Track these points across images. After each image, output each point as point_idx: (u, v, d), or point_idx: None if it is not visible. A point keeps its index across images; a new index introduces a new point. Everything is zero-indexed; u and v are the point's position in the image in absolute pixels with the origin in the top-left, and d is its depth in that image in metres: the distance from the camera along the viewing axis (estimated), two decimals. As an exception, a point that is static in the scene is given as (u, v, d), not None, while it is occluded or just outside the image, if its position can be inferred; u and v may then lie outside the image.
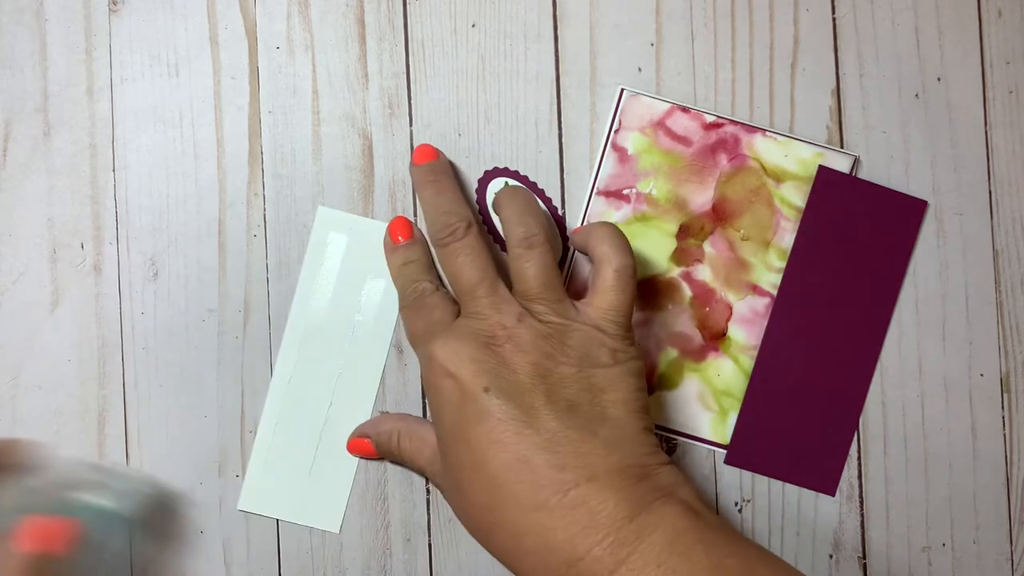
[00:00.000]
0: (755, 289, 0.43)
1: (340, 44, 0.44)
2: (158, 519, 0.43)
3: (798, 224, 0.43)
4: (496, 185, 0.43)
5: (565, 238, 0.44)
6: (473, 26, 0.44)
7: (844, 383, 0.43)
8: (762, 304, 0.43)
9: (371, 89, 0.44)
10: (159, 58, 0.43)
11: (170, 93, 0.43)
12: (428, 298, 0.40)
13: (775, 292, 0.43)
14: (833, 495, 0.43)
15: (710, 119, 0.43)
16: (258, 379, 0.43)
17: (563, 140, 0.44)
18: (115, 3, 0.44)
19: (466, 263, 0.39)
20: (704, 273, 0.43)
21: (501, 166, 0.44)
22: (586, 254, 0.41)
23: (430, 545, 0.43)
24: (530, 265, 0.38)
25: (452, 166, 0.43)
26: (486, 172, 0.43)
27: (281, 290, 0.43)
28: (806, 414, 0.43)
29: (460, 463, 0.36)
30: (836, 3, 0.44)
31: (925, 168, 0.44)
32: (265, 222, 0.43)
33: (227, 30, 0.44)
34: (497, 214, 0.42)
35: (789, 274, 0.43)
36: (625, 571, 0.33)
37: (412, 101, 0.44)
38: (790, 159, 0.43)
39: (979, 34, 0.44)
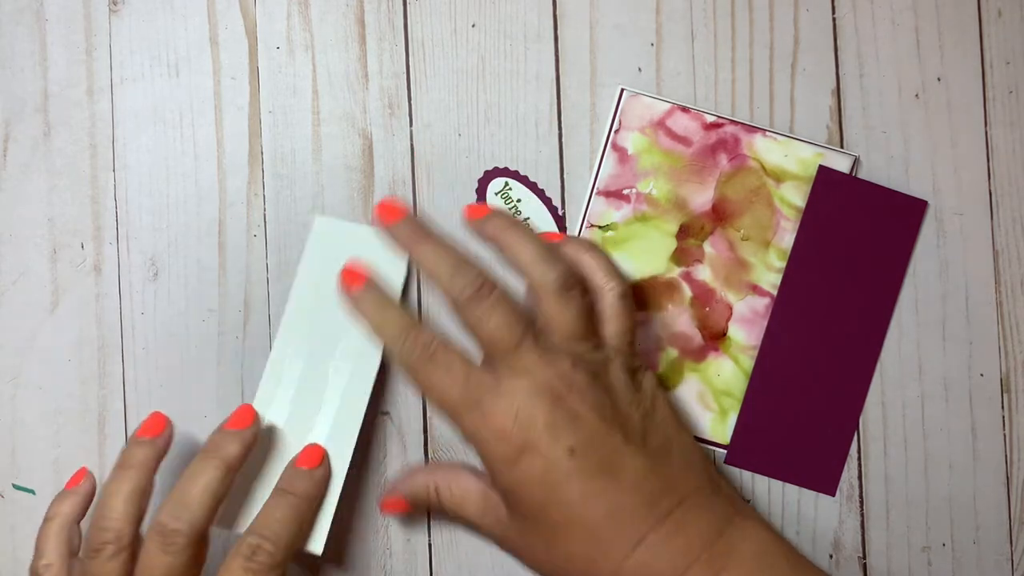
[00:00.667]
0: (755, 289, 0.43)
1: (340, 44, 0.44)
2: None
3: (798, 224, 0.43)
4: (496, 185, 0.43)
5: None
6: (473, 26, 0.44)
7: (844, 383, 0.43)
8: (762, 304, 0.43)
9: (371, 89, 0.44)
10: (159, 58, 0.43)
11: (170, 93, 0.43)
12: (441, 353, 0.37)
13: (775, 292, 0.43)
14: (833, 495, 0.43)
15: (710, 119, 0.43)
16: (258, 379, 0.43)
17: (563, 140, 0.44)
18: (115, 3, 0.44)
19: (505, 318, 0.37)
20: (704, 273, 0.43)
21: (501, 166, 0.44)
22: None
23: (430, 545, 0.43)
24: (573, 308, 0.37)
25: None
26: (486, 172, 0.43)
27: (281, 290, 0.43)
28: (806, 414, 0.43)
29: (553, 522, 0.36)
30: (836, 3, 0.44)
31: (925, 168, 0.44)
32: (265, 222, 0.43)
33: (227, 30, 0.44)
34: (493, 242, 0.39)
35: (789, 274, 0.43)
36: None
37: (412, 101, 0.44)
38: (790, 159, 0.43)
39: (979, 34, 0.44)
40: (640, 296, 0.43)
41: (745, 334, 0.43)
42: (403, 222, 0.40)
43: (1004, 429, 0.44)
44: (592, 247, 0.40)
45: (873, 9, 0.44)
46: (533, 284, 0.38)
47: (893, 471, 0.44)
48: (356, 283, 0.39)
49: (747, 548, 0.36)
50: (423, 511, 0.42)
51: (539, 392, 0.36)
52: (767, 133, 0.43)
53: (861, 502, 0.43)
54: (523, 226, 0.40)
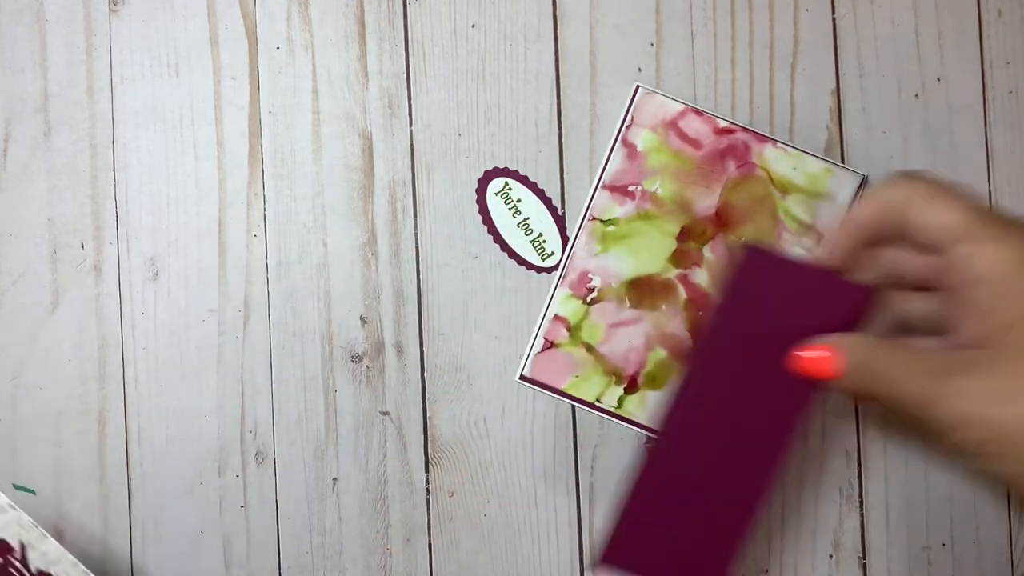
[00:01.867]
0: None
1: (340, 44, 0.44)
2: (159, 519, 0.43)
3: (802, 238, 0.42)
4: (496, 185, 0.43)
5: (565, 238, 0.44)
6: (473, 26, 0.44)
7: (740, 487, 0.37)
8: None
9: (371, 89, 0.44)
10: (159, 58, 0.43)
11: (170, 93, 0.43)
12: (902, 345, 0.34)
13: None
14: None
15: (722, 124, 0.43)
16: (258, 379, 0.43)
17: (563, 140, 0.44)
18: (115, 3, 0.44)
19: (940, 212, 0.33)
20: (701, 277, 0.43)
21: (501, 166, 0.44)
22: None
23: (430, 545, 0.43)
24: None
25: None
26: (486, 172, 0.43)
27: (281, 290, 0.43)
28: (697, 516, 0.37)
29: None
30: (836, 3, 0.44)
31: (925, 168, 0.44)
32: (265, 222, 0.43)
33: (227, 30, 0.44)
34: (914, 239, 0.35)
35: (696, 363, 0.37)
36: None
37: (412, 101, 0.44)
38: (798, 172, 0.43)
39: (979, 34, 0.44)
40: (635, 294, 0.43)
41: None
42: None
43: (1004, 429, 0.44)
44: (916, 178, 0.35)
45: (873, 9, 0.44)
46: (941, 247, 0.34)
47: (893, 471, 0.43)
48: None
49: None
50: (845, 385, 0.34)
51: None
52: (778, 144, 0.43)
53: (861, 502, 0.43)
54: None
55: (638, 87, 0.43)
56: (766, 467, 0.37)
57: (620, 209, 0.43)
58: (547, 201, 0.44)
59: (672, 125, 0.43)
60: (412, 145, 0.44)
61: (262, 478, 0.43)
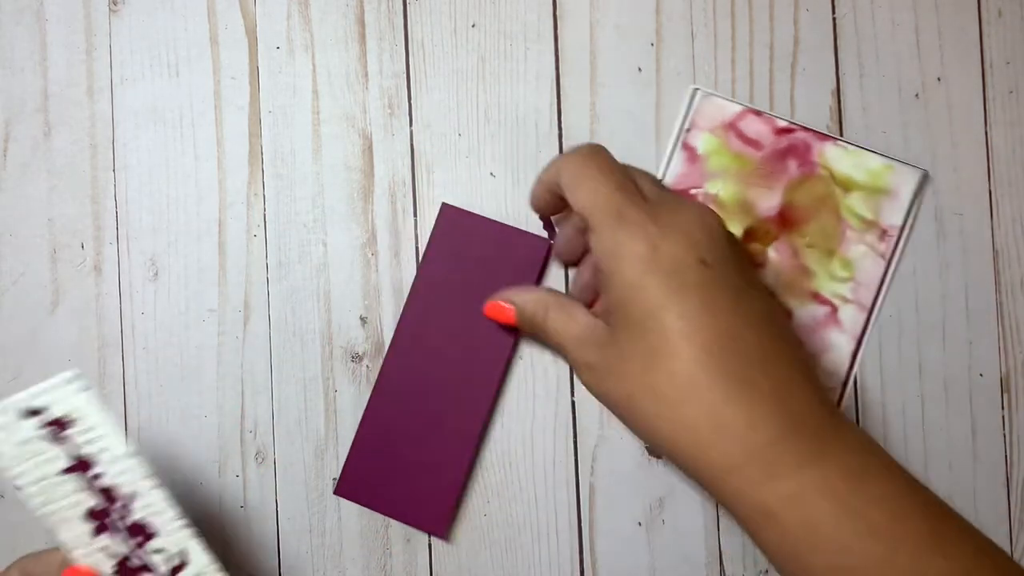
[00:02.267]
0: (816, 297, 0.43)
1: (340, 44, 0.44)
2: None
3: (865, 235, 0.43)
4: None
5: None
6: (473, 26, 0.44)
7: (458, 424, 0.42)
8: (822, 312, 0.43)
9: (371, 89, 0.44)
10: (159, 58, 0.43)
11: (170, 93, 0.43)
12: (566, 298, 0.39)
13: (837, 302, 0.43)
14: (444, 537, 0.43)
15: (782, 124, 0.43)
16: (258, 379, 0.43)
17: (563, 140, 0.44)
18: (115, 3, 0.44)
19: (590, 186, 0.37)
20: (767, 278, 0.43)
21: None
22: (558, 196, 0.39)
23: (430, 545, 0.43)
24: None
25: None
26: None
27: (281, 290, 0.43)
28: (419, 452, 0.42)
29: (665, 328, 0.34)
30: (836, 3, 0.44)
31: (925, 168, 0.44)
32: (265, 222, 0.43)
33: (227, 30, 0.44)
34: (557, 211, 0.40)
35: (407, 312, 0.42)
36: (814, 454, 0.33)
37: (412, 101, 0.44)
38: (859, 169, 0.43)
39: (979, 34, 0.44)
40: None
41: (805, 342, 0.43)
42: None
43: (1004, 429, 0.44)
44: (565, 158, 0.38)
45: (873, 9, 0.44)
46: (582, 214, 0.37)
47: (893, 471, 0.43)
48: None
49: (852, 436, 0.34)
50: (528, 327, 0.39)
51: (702, 212, 0.36)
52: (838, 141, 0.43)
53: (861, 502, 0.43)
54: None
55: (696, 90, 0.43)
56: (480, 405, 0.42)
57: None
58: None
59: (732, 127, 0.43)
60: (412, 145, 0.44)
61: (262, 478, 0.43)
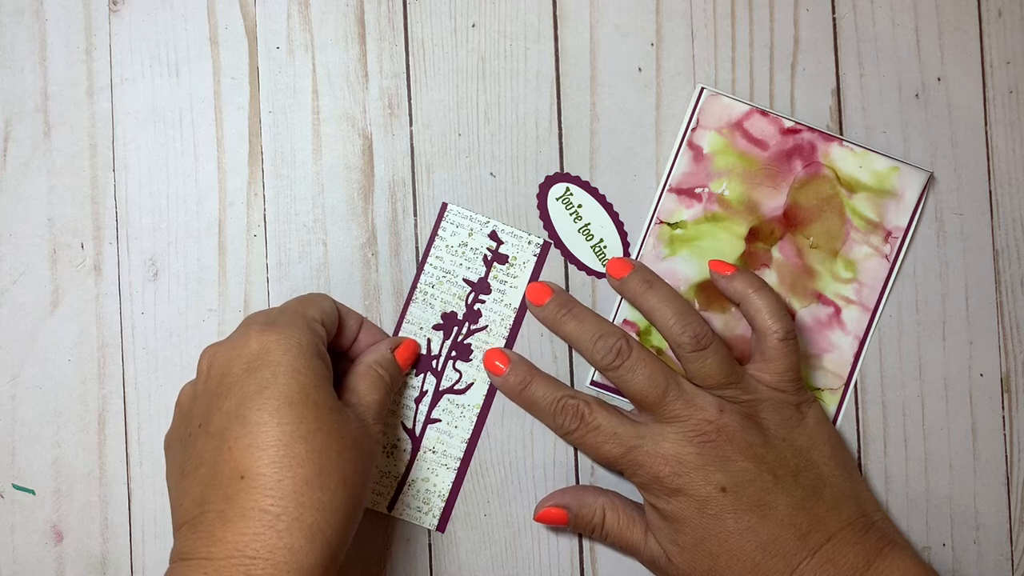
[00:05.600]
0: (820, 298, 0.43)
1: (340, 44, 0.44)
2: (159, 519, 0.43)
3: (869, 236, 0.43)
4: (558, 191, 0.43)
5: (626, 244, 0.44)
6: (473, 26, 0.44)
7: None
8: (826, 313, 0.43)
9: (371, 89, 0.44)
10: (159, 58, 0.43)
11: (170, 93, 0.43)
12: (591, 415, 0.40)
13: (840, 302, 0.43)
14: (441, 530, 0.43)
15: (788, 124, 0.43)
16: (258, 379, 0.43)
17: (563, 140, 0.44)
18: (115, 3, 0.44)
19: (646, 375, 0.40)
20: (770, 278, 0.43)
21: (562, 171, 0.44)
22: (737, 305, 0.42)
23: (430, 545, 0.43)
24: (711, 362, 0.40)
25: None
26: (547, 177, 0.43)
27: (281, 290, 0.43)
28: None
29: (713, 552, 0.38)
30: (836, 3, 0.44)
31: (925, 168, 0.44)
32: (265, 222, 0.43)
33: (227, 30, 0.44)
34: (632, 303, 0.42)
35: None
36: None
37: (412, 101, 0.44)
38: (865, 170, 0.43)
39: (979, 34, 0.44)
40: (703, 296, 0.43)
41: (806, 342, 0.43)
42: (547, 304, 0.42)
43: (1004, 429, 0.44)
44: (761, 285, 0.41)
45: (873, 9, 0.44)
46: (670, 341, 0.41)
47: (893, 471, 0.44)
48: (541, 299, 0.42)
49: None
50: (584, 529, 0.42)
51: (688, 437, 0.39)
52: (844, 142, 0.43)
53: (861, 502, 0.43)
54: (660, 284, 0.42)
55: (702, 89, 0.43)
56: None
57: (687, 212, 0.43)
58: (608, 207, 0.43)
59: (738, 126, 0.43)
60: (412, 145, 0.44)
61: (262, 478, 0.43)
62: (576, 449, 0.43)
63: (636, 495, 0.42)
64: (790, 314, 0.42)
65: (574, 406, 0.41)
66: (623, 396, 0.42)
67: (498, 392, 0.43)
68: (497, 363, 0.42)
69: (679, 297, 0.41)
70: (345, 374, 0.39)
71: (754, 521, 0.38)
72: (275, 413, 0.34)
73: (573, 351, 0.43)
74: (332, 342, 0.40)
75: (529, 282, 0.43)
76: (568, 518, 0.41)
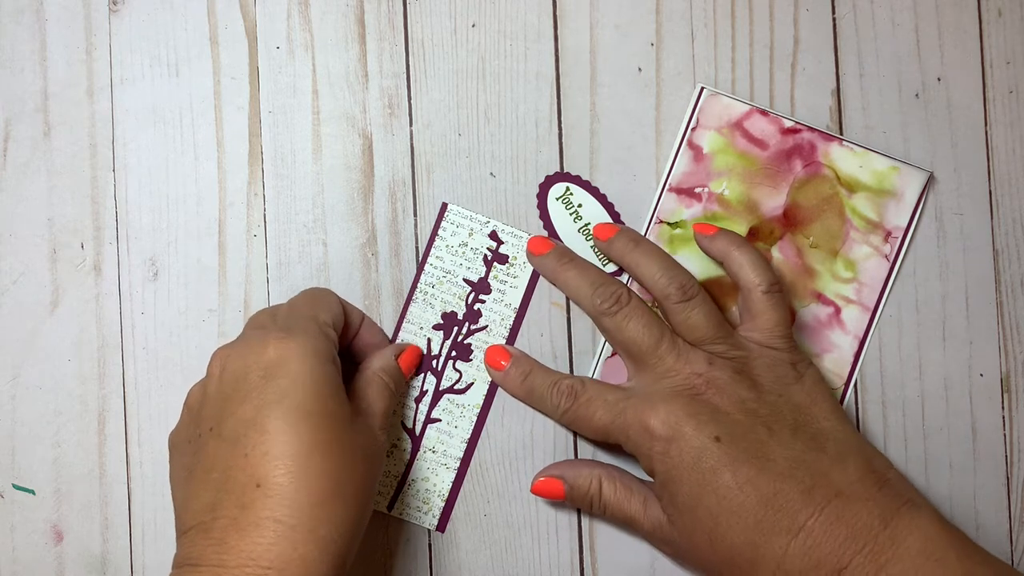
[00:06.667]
0: (820, 297, 0.43)
1: (340, 44, 0.44)
2: (159, 519, 0.43)
3: (869, 236, 0.43)
4: (558, 190, 0.43)
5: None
6: (473, 26, 0.44)
7: None
8: (826, 313, 0.43)
9: (371, 89, 0.44)
10: (159, 58, 0.43)
11: (170, 93, 0.43)
12: (583, 392, 0.40)
13: (840, 302, 0.43)
14: (441, 530, 0.43)
15: (788, 124, 0.43)
16: (258, 379, 0.43)
17: (563, 140, 0.44)
18: (115, 3, 0.44)
19: (641, 326, 0.40)
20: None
21: (562, 171, 0.44)
22: (721, 264, 0.42)
23: (430, 545, 0.43)
24: (697, 313, 0.39)
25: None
26: (547, 177, 0.43)
27: (281, 290, 0.43)
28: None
29: (713, 510, 0.37)
30: (836, 3, 0.44)
31: (925, 168, 0.44)
32: (265, 222, 0.43)
33: (227, 30, 0.44)
34: (619, 263, 0.42)
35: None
36: None
37: (412, 101, 0.44)
38: (864, 170, 0.43)
39: (979, 34, 0.44)
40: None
41: (806, 342, 0.43)
42: (550, 253, 0.42)
43: (1004, 429, 0.44)
44: (742, 243, 0.41)
45: (873, 9, 0.44)
46: (657, 296, 0.40)
47: (893, 471, 0.43)
48: (543, 249, 0.43)
49: (913, 542, 0.35)
50: (581, 502, 0.41)
51: (679, 391, 0.38)
52: (844, 142, 0.43)
53: (861, 502, 0.43)
54: (647, 243, 0.42)
55: (702, 89, 0.43)
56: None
57: (687, 211, 0.43)
58: (609, 206, 0.43)
59: (738, 126, 0.43)
60: (412, 145, 0.44)
61: (262, 478, 0.43)
62: (575, 437, 0.43)
63: (637, 472, 0.42)
64: (791, 314, 0.42)
65: (569, 385, 0.41)
66: (616, 346, 0.41)
67: (498, 392, 0.43)
68: (501, 361, 0.42)
69: (666, 254, 0.41)
70: (350, 376, 0.39)
71: (752, 473, 0.36)
72: (293, 423, 0.34)
73: (573, 351, 0.43)
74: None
75: (529, 282, 0.43)
76: (564, 490, 0.41)
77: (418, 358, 0.42)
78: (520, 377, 0.42)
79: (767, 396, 0.38)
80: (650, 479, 0.39)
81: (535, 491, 0.41)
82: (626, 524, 0.41)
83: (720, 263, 0.42)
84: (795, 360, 0.40)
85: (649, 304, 0.42)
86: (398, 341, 0.43)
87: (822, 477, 0.36)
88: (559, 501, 0.42)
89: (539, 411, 0.42)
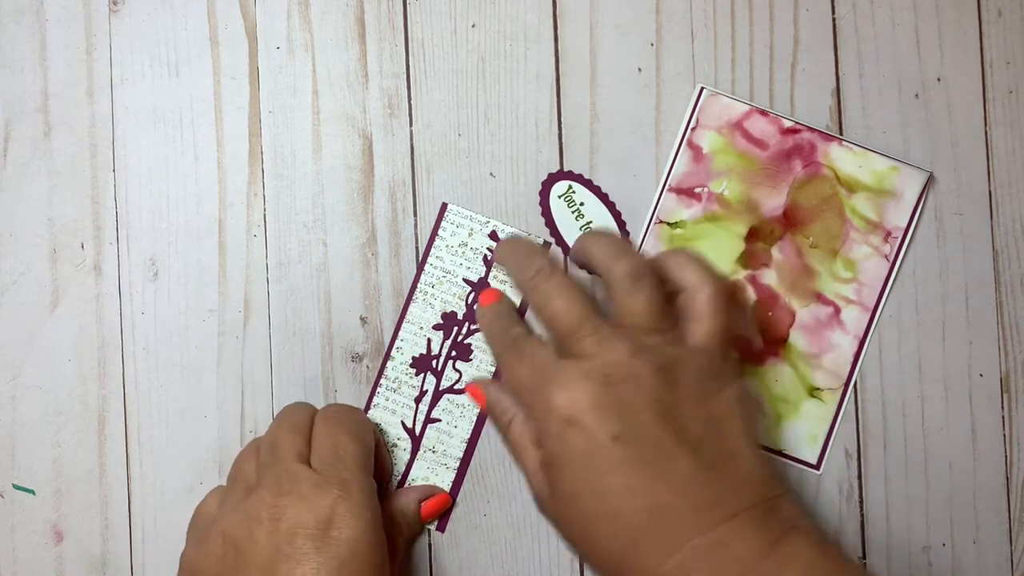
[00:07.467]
0: (819, 298, 0.43)
1: (340, 44, 0.44)
2: (159, 519, 0.43)
3: (869, 236, 0.43)
4: (560, 188, 0.43)
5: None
6: (473, 26, 0.44)
7: None
8: (825, 313, 0.43)
9: (371, 89, 0.44)
10: (159, 58, 0.43)
11: (170, 93, 0.43)
12: (525, 343, 0.39)
13: (840, 303, 0.43)
14: (441, 529, 0.43)
15: (788, 124, 0.43)
16: (258, 379, 0.43)
17: (563, 140, 0.44)
18: (115, 3, 0.44)
19: (563, 302, 0.37)
20: (770, 278, 0.43)
21: (564, 169, 0.44)
22: (665, 279, 0.39)
23: (430, 545, 0.43)
24: (641, 297, 0.37)
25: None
26: (549, 175, 0.43)
27: (281, 290, 0.43)
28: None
29: (589, 511, 0.35)
30: (836, 3, 0.44)
31: (925, 168, 0.44)
32: (265, 222, 0.43)
33: (227, 30, 0.44)
34: (584, 259, 0.40)
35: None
36: None
37: (412, 101, 0.44)
38: (864, 170, 0.43)
39: (979, 34, 0.44)
40: None
41: (806, 342, 0.43)
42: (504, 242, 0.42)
43: (1004, 429, 0.44)
44: (688, 251, 0.39)
45: (873, 9, 0.44)
46: (604, 274, 0.38)
47: (893, 471, 0.44)
48: (487, 300, 0.42)
49: (793, 571, 0.33)
50: (494, 422, 0.41)
51: (590, 374, 0.35)
52: (843, 142, 0.43)
53: (861, 502, 0.43)
54: (603, 231, 0.40)
55: (702, 89, 0.43)
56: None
57: (687, 211, 0.43)
58: (611, 205, 0.43)
59: (738, 126, 0.43)
60: (412, 145, 0.44)
61: (262, 478, 0.43)
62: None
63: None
64: (790, 313, 0.42)
65: (518, 334, 0.40)
66: (542, 323, 0.39)
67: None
68: (491, 299, 0.42)
69: (619, 238, 0.40)
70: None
71: (643, 481, 0.33)
72: None
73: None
74: None
75: None
76: (485, 404, 0.40)
77: (444, 506, 0.42)
78: (491, 312, 0.41)
79: (684, 403, 0.35)
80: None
81: (466, 387, 0.42)
82: (517, 464, 0.39)
83: (662, 271, 0.39)
84: (723, 371, 0.37)
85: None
86: (398, 341, 0.43)
87: (718, 499, 0.34)
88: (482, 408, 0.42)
89: (489, 349, 0.42)
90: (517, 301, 0.43)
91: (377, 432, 0.42)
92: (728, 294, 0.38)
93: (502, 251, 0.42)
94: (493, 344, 0.41)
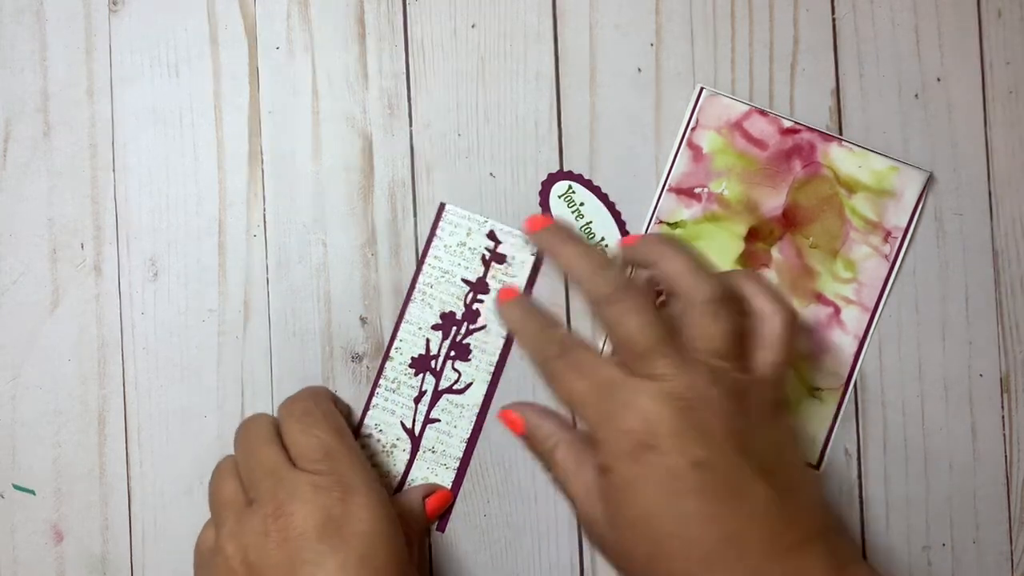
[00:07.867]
0: (819, 298, 0.43)
1: (340, 44, 0.44)
2: (159, 519, 0.43)
3: (869, 236, 0.43)
4: (560, 188, 0.43)
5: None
6: (473, 26, 0.44)
7: None
8: (825, 313, 0.43)
9: (371, 89, 0.44)
10: (159, 58, 0.43)
11: (170, 93, 0.43)
12: (579, 354, 0.37)
13: (840, 303, 0.43)
14: (441, 529, 0.43)
15: (787, 124, 0.43)
16: (258, 379, 0.43)
17: (563, 140, 0.44)
18: (115, 3, 0.44)
19: (643, 320, 0.36)
20: (770, 278, 0.43)
21: (564, 169, 0.44)
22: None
23: (430, 545, 0.43)
24: (722, 324, 0.36)
25: None
26: (549, 175, 0.43)
27: (281, 290, 0.43)
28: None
29: (659, 536, 0.34)
30: (836, 3, 0.44)
31: (925, 168, 0.44)
32: (265, 222, 0.43)
33: (227, 30, 0.44)
34: (647, 265, 0.39)
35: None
36: None
37: (412, 101, 0.44)
38: (864, 170, 0.43)
39: (979, 34, 0.44)
40: None
41: (806, 343, 0.43)
42: (549, 228, 0.40)
43: (1004, 429, 0.44)
44: (757, 274, 0.38)
45: (873, 9, 0.44)
46: (684, 294, 0.37)
47: (893, 471, 0.43)
48: (543, 224, 0.41)
49: None
50: (534, 452, 0.40)
51: (668, 398, 0.34)
52: (843, 142, 0.43)
53: (861, 502, 0.43)
54: (675, 240, 0.39)
55: (702, 89, 0.43)
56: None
57: (687, 211, 0.43)
58: (611, 205, 0.43)
59: (737, 126, 0.43)
60: (412, 145, 0.44)
61: (262, 478, 0.43)
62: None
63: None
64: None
65: (564, 335, 0.38)
66: (612, 340, 0.37)
67: (497, 392, 0.43)
68: (511, 295, 0.41)
69: (699, 257, 0.39)
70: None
71: (722, 510, 0.33)
72: None
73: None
74: None
75: (528, 282, 0.43)
76: (524, 430, 0.39)
77: (446, 502, 0.42)
78: (520, 310, 0.40)
79: (757, 429, 0.35)
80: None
81: (499, 415, 0.40)
82: (567, 498, 0.38)
83: (736, 290, 0.38)
84: (781, 399, 0.37)
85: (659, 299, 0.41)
86: (397, 341, 0.43)
87: (792, 524, 0.34)
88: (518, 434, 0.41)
89: (524, 351, 0.40)
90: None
91: (336, 397, 0.42)
92: (798, 324, 0.37)
93: (568, 256, 0.39)
94: (531, 346, 0.39)
